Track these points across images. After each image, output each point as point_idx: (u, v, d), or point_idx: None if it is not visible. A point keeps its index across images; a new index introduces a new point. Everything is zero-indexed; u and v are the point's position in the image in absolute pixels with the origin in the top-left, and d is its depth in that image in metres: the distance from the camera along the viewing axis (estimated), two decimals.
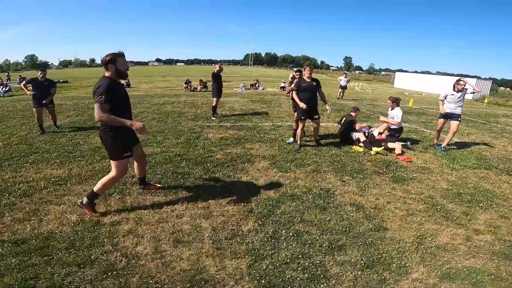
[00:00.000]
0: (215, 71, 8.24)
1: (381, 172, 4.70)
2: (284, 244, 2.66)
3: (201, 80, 18.37)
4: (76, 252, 2.39)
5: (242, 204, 3.37)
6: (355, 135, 6.01)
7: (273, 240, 2.72)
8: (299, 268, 2.36)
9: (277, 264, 2.38)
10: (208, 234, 2.76)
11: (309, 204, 3.45)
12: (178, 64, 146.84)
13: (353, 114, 6.32)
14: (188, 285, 2.11)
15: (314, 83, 5.53)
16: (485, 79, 38.63)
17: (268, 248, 2.59)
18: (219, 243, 2.63)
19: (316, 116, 5.59)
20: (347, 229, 2.98)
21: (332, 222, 3.09)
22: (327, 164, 4.86)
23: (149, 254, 2.43)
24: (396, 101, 6.21)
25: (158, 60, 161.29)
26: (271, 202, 3.43)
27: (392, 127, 6.20)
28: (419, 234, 2.99)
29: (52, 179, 3.79)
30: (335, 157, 5.24)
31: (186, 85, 17.83)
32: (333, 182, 4.17)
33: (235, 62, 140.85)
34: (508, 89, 44.84)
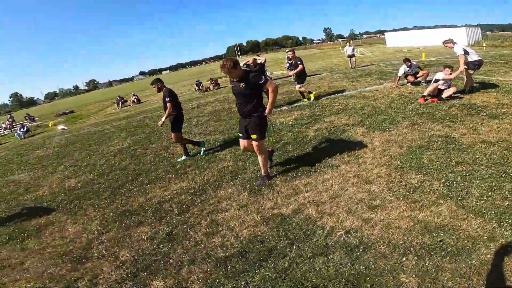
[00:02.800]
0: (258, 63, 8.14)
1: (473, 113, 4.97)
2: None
3: (211, 79, 18.38)
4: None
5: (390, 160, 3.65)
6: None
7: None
8: None
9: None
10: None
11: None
12: (163, 72, 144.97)
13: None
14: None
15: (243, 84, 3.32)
16: (474, 26, 38.44)
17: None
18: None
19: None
20: None
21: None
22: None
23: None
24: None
25: (142, 73, 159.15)
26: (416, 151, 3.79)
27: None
28: None
29: (188, 191, 3.93)
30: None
31: (198, 87, 17.87)
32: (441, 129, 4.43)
33: (219, 58, 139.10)
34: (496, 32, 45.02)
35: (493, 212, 2.43)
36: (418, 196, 2.85)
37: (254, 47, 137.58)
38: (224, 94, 13.43)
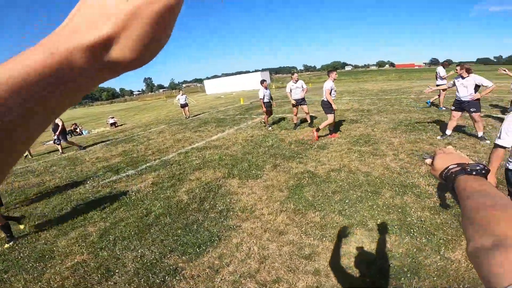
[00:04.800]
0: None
1: None
2: None
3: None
4: None
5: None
6: None
7: None
8: None
9: None
10: None
11: None
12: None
13: None
14: None
15: None
16: (265, 70, 51.00)
17: None
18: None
19: None
20: None
21: None
22: None
23: None
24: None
25: None
26: None
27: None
28: None
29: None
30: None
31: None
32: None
33: None
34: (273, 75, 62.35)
35: (396, 225, 2.88)
36: (332, 231, 3.02)
37: None
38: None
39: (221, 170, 5.48)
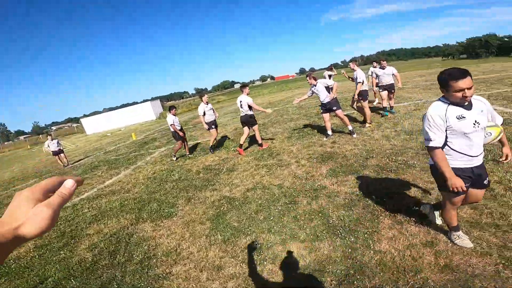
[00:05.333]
0: None
1: None
2: None
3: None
4: None
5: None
6: None
7: None
8: None
9: None
10: None
11: None
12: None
13: None
14: None
15: None
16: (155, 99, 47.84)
17: None
18: None
19: None
20: None
21: None
22: None
23: None
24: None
25: None
26: None
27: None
28: None
29: None
30: None
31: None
32: None
33: None
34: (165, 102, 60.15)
35: (323, 230, 2.97)
36: (270, 252, 2.95)
37: None
38: None
39: (127, 216, 4.64)
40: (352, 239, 2.87)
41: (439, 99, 2.21)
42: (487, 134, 2.19)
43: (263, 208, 3.92)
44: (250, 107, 6.80)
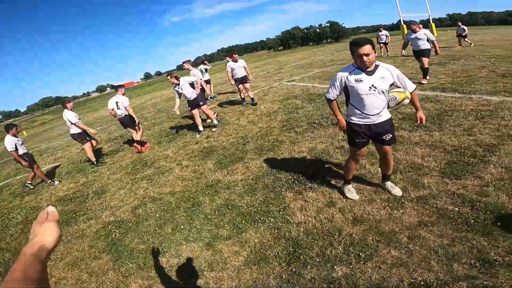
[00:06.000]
0: None
1: None
2: None
3: None
4: None
5: None
6: None
7: None
8: None
9: None
10: None
11: None
12: None
13: None
14: None
15: None
16: None
17: None
18: None
19: None
20: None
21: None
22: None
23: None
24: None
25: None
26: None
27: None
28: None
29: None
30: None
31: None
32: None
33: None
34: None
35: (242, 221, 2.82)
36: (201, 261, 2.49)
37: None
38: None
39: None
40: (271, 219, 2.96)
41: (352, 64, 2.52)
42: (392, 98, 2.52)
43: (166, 220, 3.43)
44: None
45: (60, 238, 0.69)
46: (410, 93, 2.54)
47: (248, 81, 8.09)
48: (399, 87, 2.53)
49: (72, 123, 5.94)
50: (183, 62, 7.92)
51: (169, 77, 6.39)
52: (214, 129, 6.63)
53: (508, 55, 8.89)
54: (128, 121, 6.39)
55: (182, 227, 3.23)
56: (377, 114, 2.54)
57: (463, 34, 13.80)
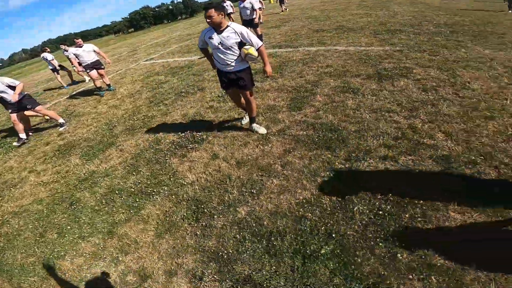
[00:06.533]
0: None
1: None
2: None
3: None
4: None
5: None
6: None
7: None
8: None
9: None
10: None
11: None
12: None
13: None
14: None
15: None
16: None
17: None
18: None
19: None
20: None
21: None
22: None
23: None
24: None
25: None
26: None
27: None
28: None
29: None
30: None
31: None
32: None
33: None
34: None
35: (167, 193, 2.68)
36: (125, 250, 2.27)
37: None
38: None
39: None
40: (165, 188, 2.98)
41: None
42: (241, 52, 3.00)
43: (45, 228, 2.88)
44: None
45: None
46: (257, 49, 2.98)
47: (102, 66, 7.05)
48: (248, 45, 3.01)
49: None
50: None
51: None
52: (61, 128, 5.54)
53: (320, 15, 11.44)
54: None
55: (69, 227, 2.81)
56: (227, 64, 3.05)
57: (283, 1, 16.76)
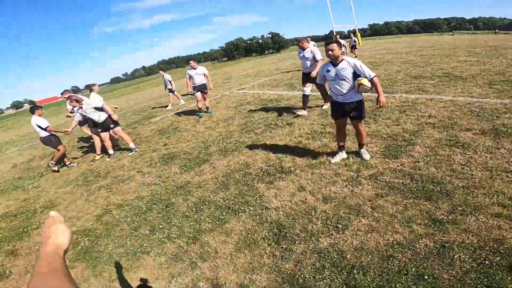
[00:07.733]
0: None
1: None
2: None
3: None
4: None
5: None
6: None
7: None
8: None
9: None
10: None
11: None
12: None
13: None
14: None
15: None
16: None
17: None
18: None
19: None
20: None
21: None
22: None
23: None
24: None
25: None
26: None
27: None
28: None
29: None
30: None
31: None
32: None
33: None
34: None
35: (228, 212, 2.94)
36: (213, 254, 2.49)
37: None
38: None
39: None
40: (250, 208, 3.16)
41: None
42: (355, 83, 3.32)
43: (140, 223, 3.37)
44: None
45: (70, 238, 0.70)
46: (369, 80, 3.22)
47: (206, 90, 7.84)
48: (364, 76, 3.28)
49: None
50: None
51: (69, 100, 6.08)
52: (130, 153, 6.08)
53: (419, 60, 10.82)
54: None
55: (160, 227, 3.22)
56: (342, 96, 3.46)
57: (355, 46, 17.02)
